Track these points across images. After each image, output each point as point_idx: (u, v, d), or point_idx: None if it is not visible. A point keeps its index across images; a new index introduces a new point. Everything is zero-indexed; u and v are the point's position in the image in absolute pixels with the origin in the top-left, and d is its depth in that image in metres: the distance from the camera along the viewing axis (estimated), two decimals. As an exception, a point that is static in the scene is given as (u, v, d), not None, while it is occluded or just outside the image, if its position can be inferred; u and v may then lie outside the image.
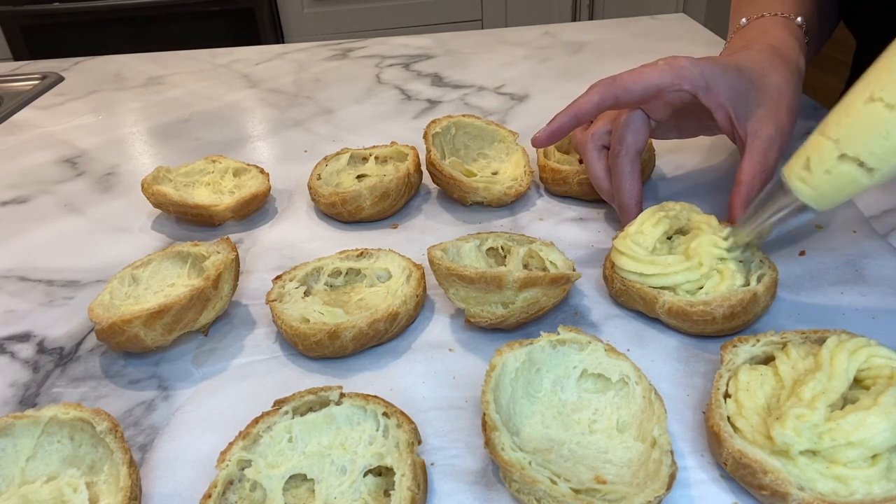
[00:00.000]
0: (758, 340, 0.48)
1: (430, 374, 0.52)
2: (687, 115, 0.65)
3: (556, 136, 0.62)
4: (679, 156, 0.80)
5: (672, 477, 0.40)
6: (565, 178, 0.71)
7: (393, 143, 0.78)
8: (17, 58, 2.34)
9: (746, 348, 0.48)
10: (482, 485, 0.43)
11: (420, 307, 0.58)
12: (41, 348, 0.57)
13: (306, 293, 0.58)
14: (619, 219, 0.65)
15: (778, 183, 0.50)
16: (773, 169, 0.59)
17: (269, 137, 0.94)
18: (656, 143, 0.75)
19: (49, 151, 0.92)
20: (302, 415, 0.45)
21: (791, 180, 0.48)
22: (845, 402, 0.43)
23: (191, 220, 0.72)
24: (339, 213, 0.71)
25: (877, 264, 0.60)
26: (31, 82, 1.18)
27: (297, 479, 0.43)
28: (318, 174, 0.74)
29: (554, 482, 0.39)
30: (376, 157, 0.77)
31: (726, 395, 0.45)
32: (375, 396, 0.46)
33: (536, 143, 0.62)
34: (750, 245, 0.54)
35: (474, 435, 0.47)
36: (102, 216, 0.77)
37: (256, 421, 0.44)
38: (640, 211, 0.60)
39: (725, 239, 0.55)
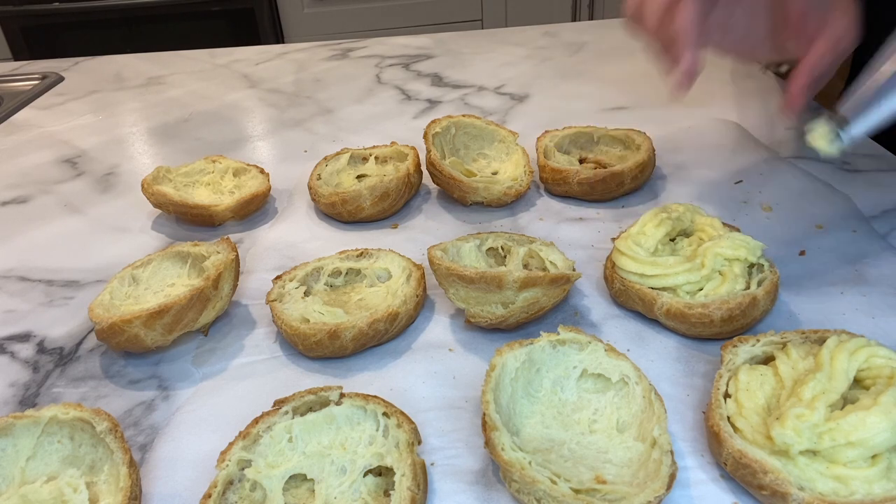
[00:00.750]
0: (758, 340, 0.48)
1: (430, 374, 0.52)
2: (760, 10, 0.61)
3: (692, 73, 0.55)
4: (680, 156, 0.80)
5: (672, 477, 0.40)
6: (565, 178, 0.71)
7: (393, 143, 0.78)
8: (17, 58, 2.34)
9: (746, 348, 0.48)
10: (482, 485, 0.43)
11: (420, 307, 0.58)
12: (41, 348, 0.57)
13: (306, 293, 0.58)
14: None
15: None
16: (839, 59, 0.56)
17: (269, 137, 0.94)
18: (656, 143, 0.75)
19: (49, 151, 0.92)
20: (302, 415, 0.45)
21: None
22: (845, 402, 0.43)
23: (191, 220, 0.72)
24: (339, 213, 0.71)
25: (877, 264, 0.60)
26: (31, 82, 1.18)
27: (297, 479, 0.43)
28: (318, 174, 0.74)
29: (554, 482, 0.39)
30: (376, 157, 0.77)
31: (726, 395, 0.45)
32: (375, 396, 0.46)
33: (679, 87, 0.56)
34: (856, 139, 0.48)
35: (474, 435, 0.47)
36: (102, 216, 0.77)
37: (256, 421, 0.44)
38: (697, 51, 0.55)
39: (840, 126, 0.48)
